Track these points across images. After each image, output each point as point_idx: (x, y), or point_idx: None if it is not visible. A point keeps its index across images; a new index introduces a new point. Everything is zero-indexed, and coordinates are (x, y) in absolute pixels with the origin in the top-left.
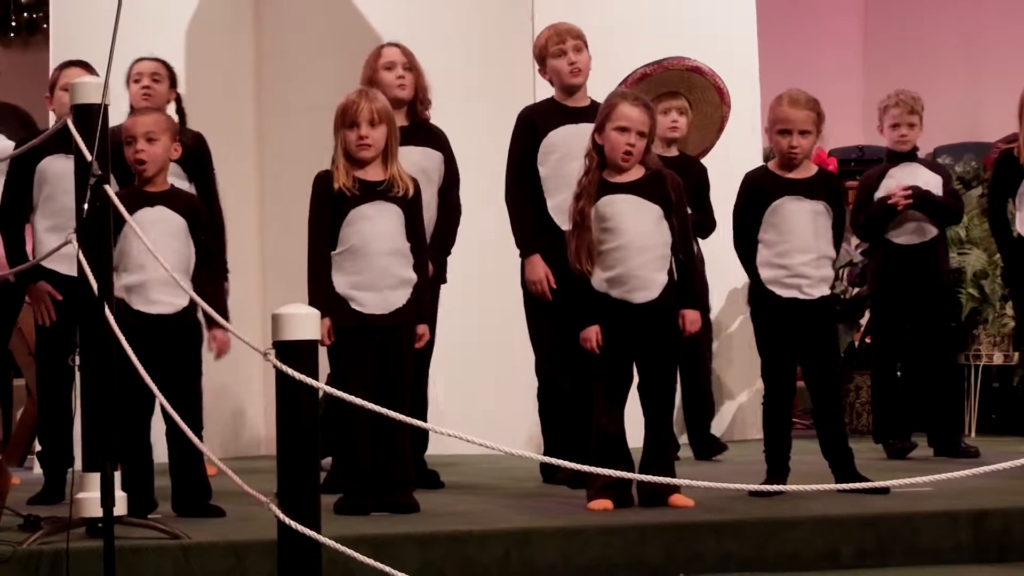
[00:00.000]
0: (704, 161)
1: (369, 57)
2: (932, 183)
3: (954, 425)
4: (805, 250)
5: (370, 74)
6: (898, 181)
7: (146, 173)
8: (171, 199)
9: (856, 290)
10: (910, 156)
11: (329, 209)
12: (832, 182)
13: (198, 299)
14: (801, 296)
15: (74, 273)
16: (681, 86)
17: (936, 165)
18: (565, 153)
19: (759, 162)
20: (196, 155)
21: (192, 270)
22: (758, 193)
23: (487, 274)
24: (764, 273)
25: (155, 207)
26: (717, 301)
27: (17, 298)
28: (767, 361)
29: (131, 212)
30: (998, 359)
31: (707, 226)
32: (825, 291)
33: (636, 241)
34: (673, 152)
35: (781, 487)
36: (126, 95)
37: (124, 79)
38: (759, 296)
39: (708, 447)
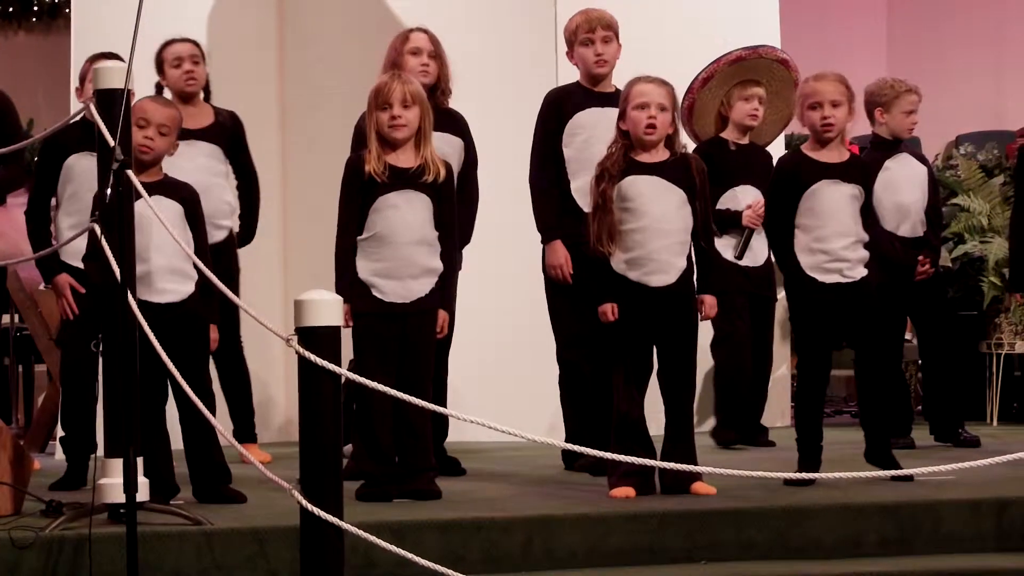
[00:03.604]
0: None
1: (395, 40)
2: (922, 174)
3: (958, 413)
4: (844, 234)
5: (395, 57)
6: (896, 174)
7: (146, 158)
8: (167, 188)
9: None
10: (897, 145)
11: (358, 195)
12: (863, 166)
13: (225, 288)
14: (843, 280)
15: None
16: (765, 75)
17: (919, 154)
18: (590, 135)
19: (780, 151)
20: (235, 133)
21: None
22: (794, 178)
23: (508, 261)
24: (804, 259)
25: (152, 196)
26: None
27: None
28: (805, 349)
29: None
30: (1020, 348)
31: None
32: (863, 272)
33: (657, 224)
34: (745, 140)
35: (806, 475)
36: (146, 78)
37: (154, 63)
38: (799, 282)
39: (756, 435)
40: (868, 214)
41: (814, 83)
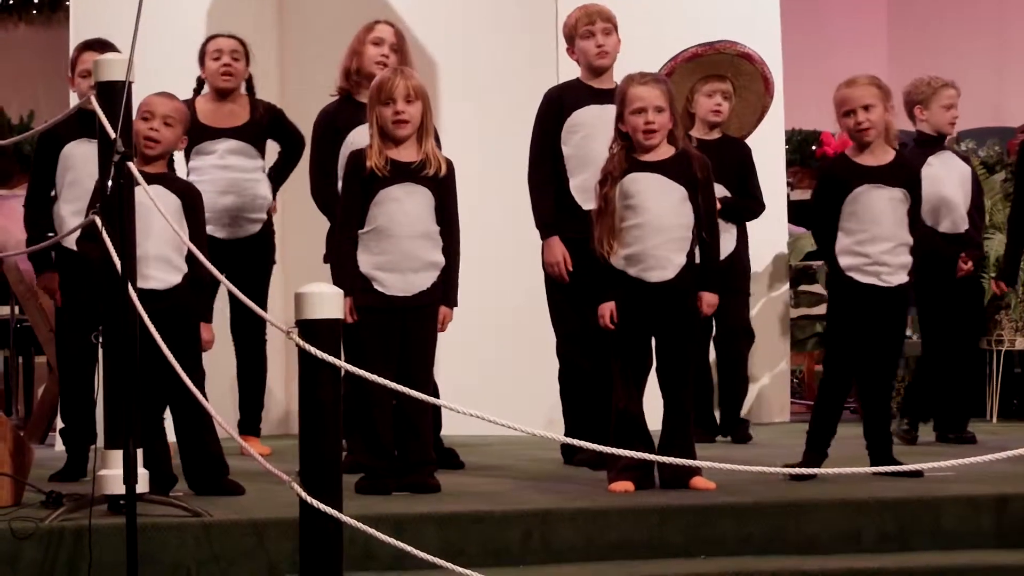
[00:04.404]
0: None
1: (360, 30)
2: (964, 172)
3: (964, 411)
4: (885, 238)
5: (356, 46)
6: (938, 171)
7: (151, 152)
8: (167, 181)
9: None
10: (940, 142)
11: (360, 189)
12: (910, 167)
13: (225, 281)
14: (880, 283)
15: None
16: (729, 70)
17: (962, 154)
18: (589, 132)
19: (780, 147)
20: (271, 125)
21: (185, 251)
22: (837, 181)
23: (507, 255)
24: (843, 260)
25: (151, 186)
26: None
27: None
28: (836, 347)
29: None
30: (1020, 344)
31: (754, 208)
32: (903, 278)
33: (656, 221)
34: (715, 135)
35: (808, 470)
36: (145, 70)
37: (198, 56)
38: (838, 282)
39: (736, 429)
40: (917, 216)
41: (844, 89)
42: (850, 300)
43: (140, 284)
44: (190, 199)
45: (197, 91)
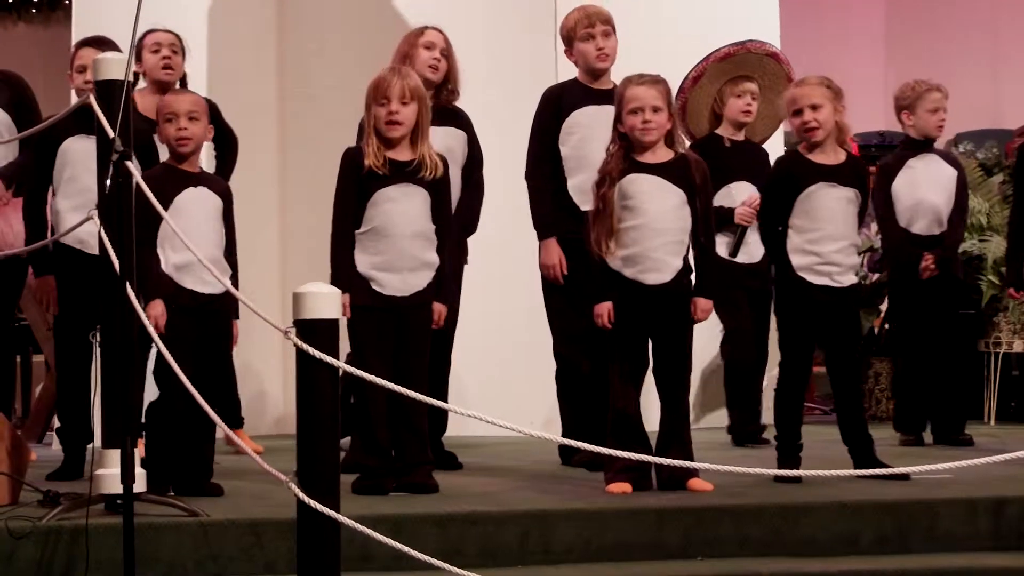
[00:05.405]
0: None
1: (410, 34)
2: (949, 176)
3: (960, 414)
4: (837, 238)
5: (407, 49)
6: (918, 173)
7: (187, 150)
8: (209, 180)
9: (876, 276)
10: (927, 145)
11: (355, 187)
12: (860, 168)
13: (232, 288)
14: (832, 284)
15: (96, 252)
16: (756, 70)
17: (952, 158)
18: (587, 133)
19: (779, 148)
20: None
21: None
22: (791, 178)
23: (506, 255)
24: (795, 260)
25: (198, 187)
26: None
27: (22, 273)
28: (789, 347)
29: (175, 192)
30: (1018, 346)
31: None
32: (853, 279)
33: (655, 223)
34: (740, 136)
35: (802, 472)
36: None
37: (133, 49)
38: (788, 281)
39: (753, 433)
40: (863, 216)
41: (793, 89)
42: (802, 301)
43: (199, 288)
44: (229, 199)
45: (133, 85)
